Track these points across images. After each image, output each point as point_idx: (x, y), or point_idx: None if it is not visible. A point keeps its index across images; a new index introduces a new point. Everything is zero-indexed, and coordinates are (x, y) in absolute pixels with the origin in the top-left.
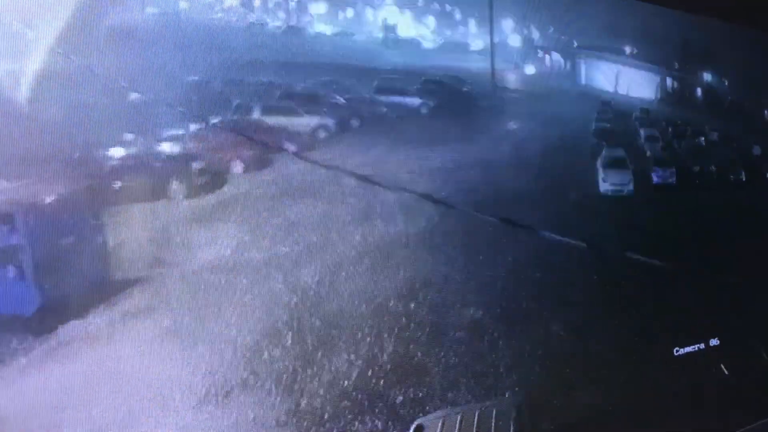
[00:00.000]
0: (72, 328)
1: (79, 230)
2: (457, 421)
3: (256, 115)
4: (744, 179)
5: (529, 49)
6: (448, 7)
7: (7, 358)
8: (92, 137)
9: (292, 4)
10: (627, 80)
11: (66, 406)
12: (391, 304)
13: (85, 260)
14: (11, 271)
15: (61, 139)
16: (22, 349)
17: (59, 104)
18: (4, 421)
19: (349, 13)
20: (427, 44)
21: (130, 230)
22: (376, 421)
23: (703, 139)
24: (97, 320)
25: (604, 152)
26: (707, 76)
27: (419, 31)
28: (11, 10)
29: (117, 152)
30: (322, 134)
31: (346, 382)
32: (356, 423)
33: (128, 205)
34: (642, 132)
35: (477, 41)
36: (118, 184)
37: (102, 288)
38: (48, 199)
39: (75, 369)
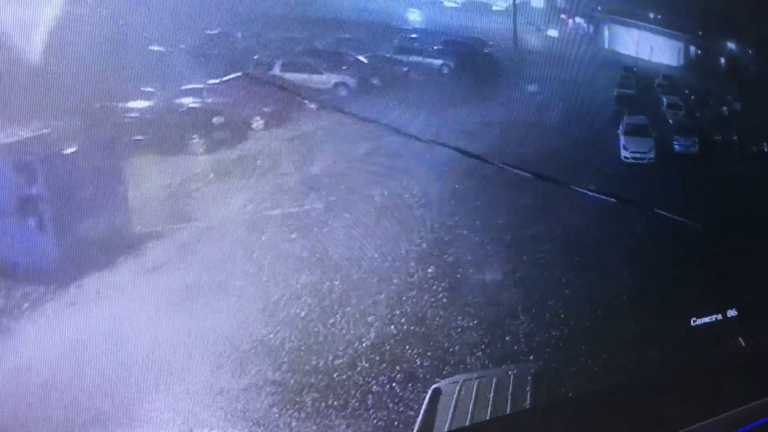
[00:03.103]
0: (92, 280)
1: (99, 182)
2: (475, 386)
3: (276, 70)
4: (766, 150)
5: (552, 11)
6: None
7: (27, 310)
8: (113, 88)
9: None
10: (650, 46)
11: (86, 358)
12: (411, 267)
13: (105, 213)
14: (31, 222)
15: (82, 89)
16: (42, 300)
17: (79, 54)
18: (23, 373)
19: None
20: (449, 3)
21: (150, 184)
22: (394, 384)
23: (725, 108)
24: (116, 273)
25: (625, 119)
26: (731, 45)
27: None
28: None
29: (137, 104)
30: (342, 92)
31: (365, 344)
32: (374, 385)
33: (148, 158)
34: (664, 99)
35: (499, 2)
36: (138, 137)
37: (122, 241)
38: (68, 150)
39: (95, 322)
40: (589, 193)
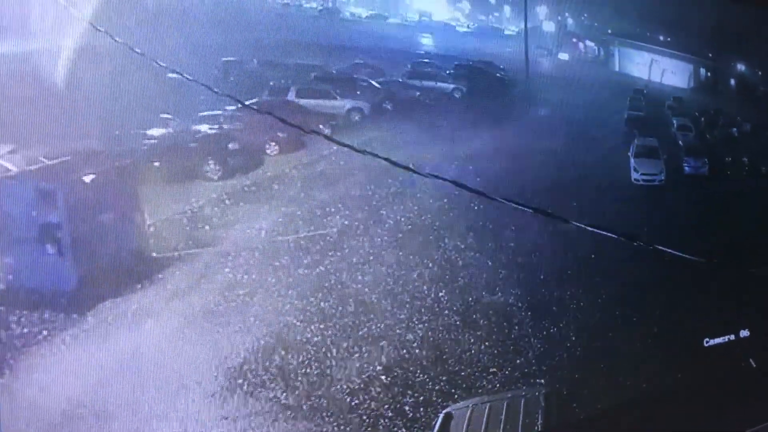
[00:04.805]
0: (110, 304)
1: (118, 208)
2: (486, 410)
3: (291, 96)
4: None
5: (563, 35)
6: None
7: (47, 332)
8: (131, 117)
9: None
10: (660, 69)
11: (104, 382)
12: (423, 291)
13: (123, 239)
14: (51, 248)
15: (101, 118)
16: (62, 324)
17: (99, 83)
18: (45, 394)
19: None
20: (461, 29)
21: (167, 210)
22: (406, 408)
23: (735, 129)
24: (135, 299)
25: (636, 141)
26: (740, 66)
27: (453, 15)
28: None
29: (155, 131)
30: (355, 117)
31: (378, 368)
32: (386, 409)
33: (166, 185)
34: (674, 121)
35: (511, 26)
36: (156, 164)
37: (140, 267)
38: (87, 178)
39: (113, 347)
40: (600, 220)
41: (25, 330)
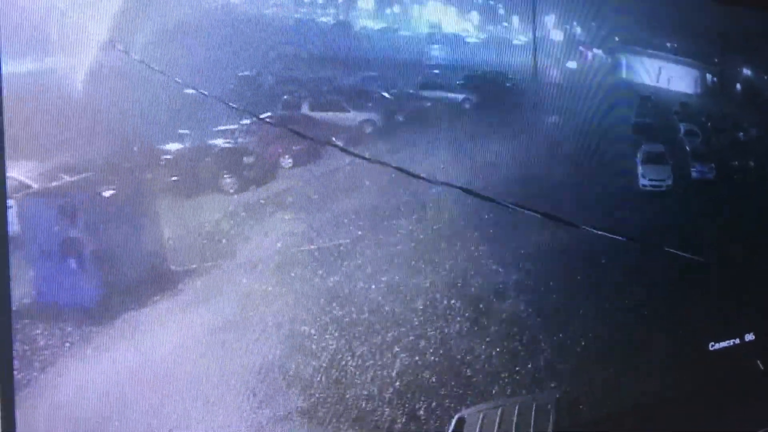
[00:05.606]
0: (130, 319)
1: (137, 223)
2: (498, 415)
3: (304, 110)
4: None
5: (571, 43)
6: (491, 2)
7: (69, 348)
8: (149, 132)
9: (341, 0)
10: (667, 75)
11: (124, 394)
12: (436, 298)
13: (142, 253)
14: (72, 264)
15: (120, 135)
16: (84, 339)
17: (118, 100)
18: (64, 409)
19: (396, 8)
20: (471, 39)
21: (185, 223)
22: (419, 413)
23: (742, 134)
24: (154, 312)
25: (643, 147)
26: (747, 71)
27: (463, 26)
28: (75, 3)
29: (173, 146)
30: (368, 129)
31: (391, 374)
32: (399, 415)
33: (183, 199)
34: (681, 127)
35: (519, 36)
36: (173, 178)
37: (159, 280)
38: (107, 193)
39: (135, 360)
40: (609, 225)
41: (49, 342)
